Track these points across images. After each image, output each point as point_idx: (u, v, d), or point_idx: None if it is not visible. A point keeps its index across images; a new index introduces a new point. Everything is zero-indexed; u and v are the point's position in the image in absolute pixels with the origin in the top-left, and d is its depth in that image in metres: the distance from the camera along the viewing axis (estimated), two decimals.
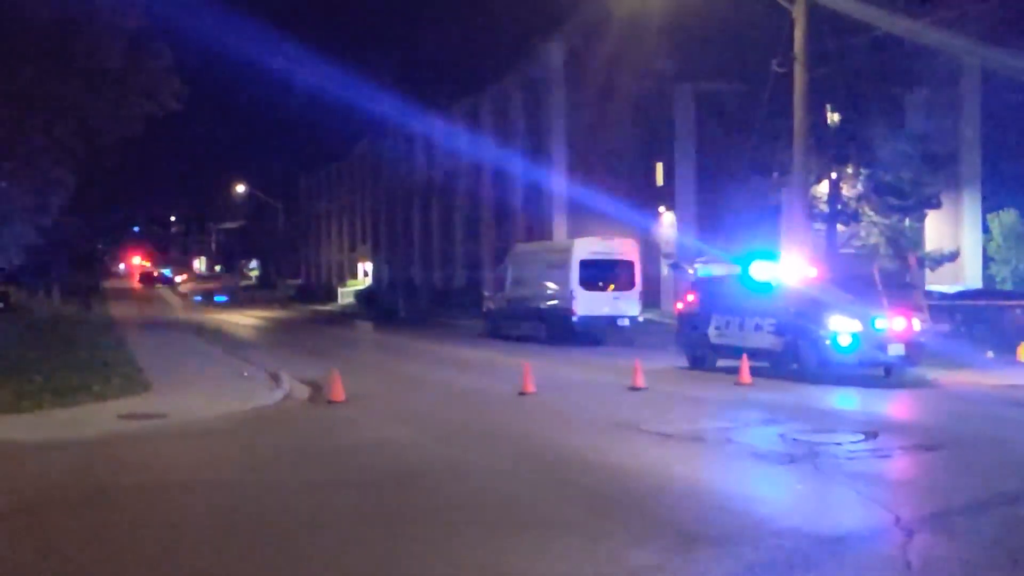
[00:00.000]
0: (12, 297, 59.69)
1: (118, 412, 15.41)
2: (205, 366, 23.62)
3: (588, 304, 30.53)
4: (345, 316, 56.67)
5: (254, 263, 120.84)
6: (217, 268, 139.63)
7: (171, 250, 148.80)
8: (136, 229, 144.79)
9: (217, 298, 59.41)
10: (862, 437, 12.37)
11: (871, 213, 29.63)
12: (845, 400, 16.83)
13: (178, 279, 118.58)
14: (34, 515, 9.03)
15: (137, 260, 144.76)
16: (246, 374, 21.10)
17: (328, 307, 67.28)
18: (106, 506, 9.38)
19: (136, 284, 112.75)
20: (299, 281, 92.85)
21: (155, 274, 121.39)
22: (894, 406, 16.45)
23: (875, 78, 27.87)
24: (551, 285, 31.96)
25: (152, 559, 7.61)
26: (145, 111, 19.31)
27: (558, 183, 48.51)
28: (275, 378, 20.09)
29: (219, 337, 36.59)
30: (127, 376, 19.93)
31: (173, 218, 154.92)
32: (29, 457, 12.07)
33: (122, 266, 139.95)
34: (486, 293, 38.37)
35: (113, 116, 19.02)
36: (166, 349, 29.06)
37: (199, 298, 60.78)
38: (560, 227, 48.48)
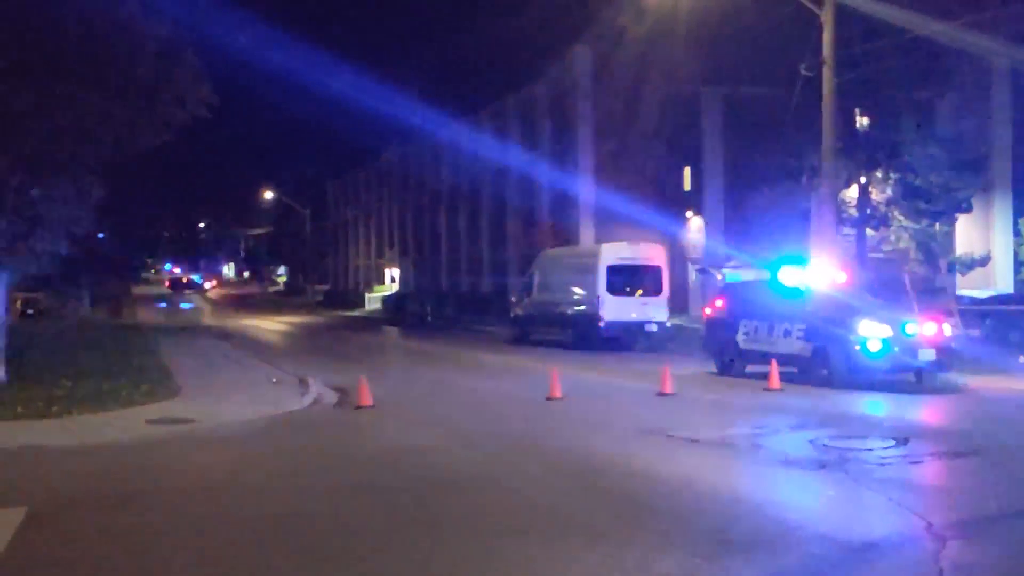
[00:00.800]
0: (43, 304, 60.29)
1: (147, 417, 15.53)
2: (234, 371, 23.73)
3: (616, 309, 30.43)
4: (373, 322, 56.81)
5: (282, 269, 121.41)
6: (246, 274, 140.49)
7: (200, 256, 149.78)
8: (165, 235, 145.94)
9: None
10: (893, 443, 12.26)
11: (901, 217, 29.44)
12: (875, 406, 16.69)
13: (207, 285, 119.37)
14: (63, 519, 9.09)
15: (167, 267, 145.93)
16: (274, 380, 21.18)
17: (356, 312, 67.47)
18: (134, 510, 9.42)
19: (166, 290, 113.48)
20: (327, 287, 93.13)
21: (184, 280, 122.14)
22: (925, 412, 16.30)
23: (905, 82, 27.68)
24: (578, 290, 31.91)
25: (180, 563, 7.63)
26: (175, 119, 19.38)
27: (585, 188, 48.43)
28: (303, 383, 20.17)
29: (248, 343, 36.78)
30: (156, 381, 20.09)
31: (202, 224, 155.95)
32: (58, 462, 12.16)
33: (152, 272, 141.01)
34: (513, 298, 38.32)
35: (143, 124, 19.10)
36: (195, 355, 29.22)
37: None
38: (587, 232, 48.38)
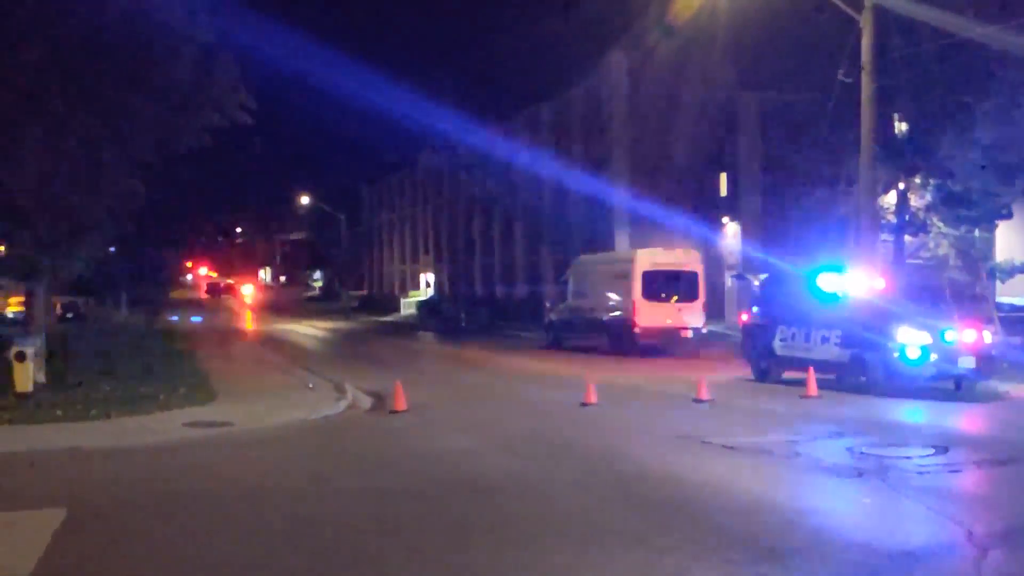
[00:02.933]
0: (81, 308, 60.93)
1: (184, 420, 15.65)
2: (270, 376, 23.87)
3: (651, 315, 30.32)
4: (407, 327, 56.96)
5: (318, 274, 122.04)
6: (282, 279, 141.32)
7: (237, 261, 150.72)
8: (203, 240, 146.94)
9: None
10: (932, 451, 12.12)
11: (940, 224, 29.12)
12: (914, 413, 16.51)
13: (243, 290, 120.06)
14: (102, 520, 9.17)
15: (204, 271, 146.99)
16: (310, 384, 21.28)
17: (390, 318, 67.67)
18: (171, 512, 9.49)
19: (203, 295, 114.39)
20: (362, 292, 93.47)
21: (221, 285, 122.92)
22: (965, 420, 16.10)
23: (944, 87, 27.40)
24: (613, 296, 31.83)
25: (215, 565, 7.67)
26: (214, 123, 19.57)
27: (620, 194, 48.31)
28: (339, 388, 20.25)
29: (284, 347, 36.97)
30: (193, 385, 20.24)
31: (239, 229, 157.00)
32: (97, 464, 12.27)
33: (189, 277, 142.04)
34: (548, 304, 38.32)
35: (182, 127, 19.31)
36: (231, 359, 29.42)
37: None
38: (622, 238, 48.27)
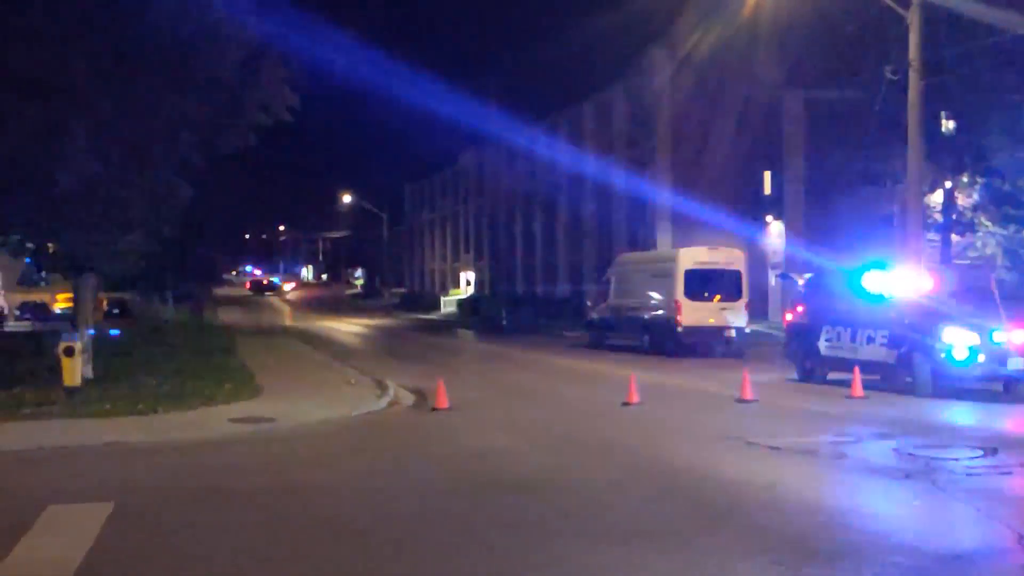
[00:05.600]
0: (128, 304, 61.61)
1: (229, 416, 15.80)
2: (313, 372, 24.02)
3: (693, 315, 30.12)
4: (448, 325, 57.09)
5: (359, 272, 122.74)
6: (324, 276, 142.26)
7: (280, 258, 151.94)
8: (247, 237, 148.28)
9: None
10: (981, 453, 11.95)
11: (987, 223, 28.78)
12: (962, 415, 16.30)
13: (287, 287, 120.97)
14: (149, 513, 9.27)
15: (248, 268, 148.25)
16: (353, 381, 21.39)
17: (431, 316, 67.85)
18: (216, 506, 9.58)
19: (247, 291, 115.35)
20: (403, 290, 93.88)
21: (264, 282, 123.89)
22: (1014, 422, 15.86)
23: (992, 84, 27.06)
24: (655, 295, 31.68)
25: (259, 560, 7.73)
26: (259, 122, 19.70)
27: (662, 192, 48.11)
28: (381, 385, 20.34)
29: (327, 344, 37.19)
30: (238, 381, 20.43)
31: (282, 227, 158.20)
32: (145, 458, 12.41)
33: (233, 274, 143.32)
34: (589, 303, 38.21)
35: (228, 127, 19.46)
36: (275, 355, 29.63)
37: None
38: (664, 237, 48.05)
